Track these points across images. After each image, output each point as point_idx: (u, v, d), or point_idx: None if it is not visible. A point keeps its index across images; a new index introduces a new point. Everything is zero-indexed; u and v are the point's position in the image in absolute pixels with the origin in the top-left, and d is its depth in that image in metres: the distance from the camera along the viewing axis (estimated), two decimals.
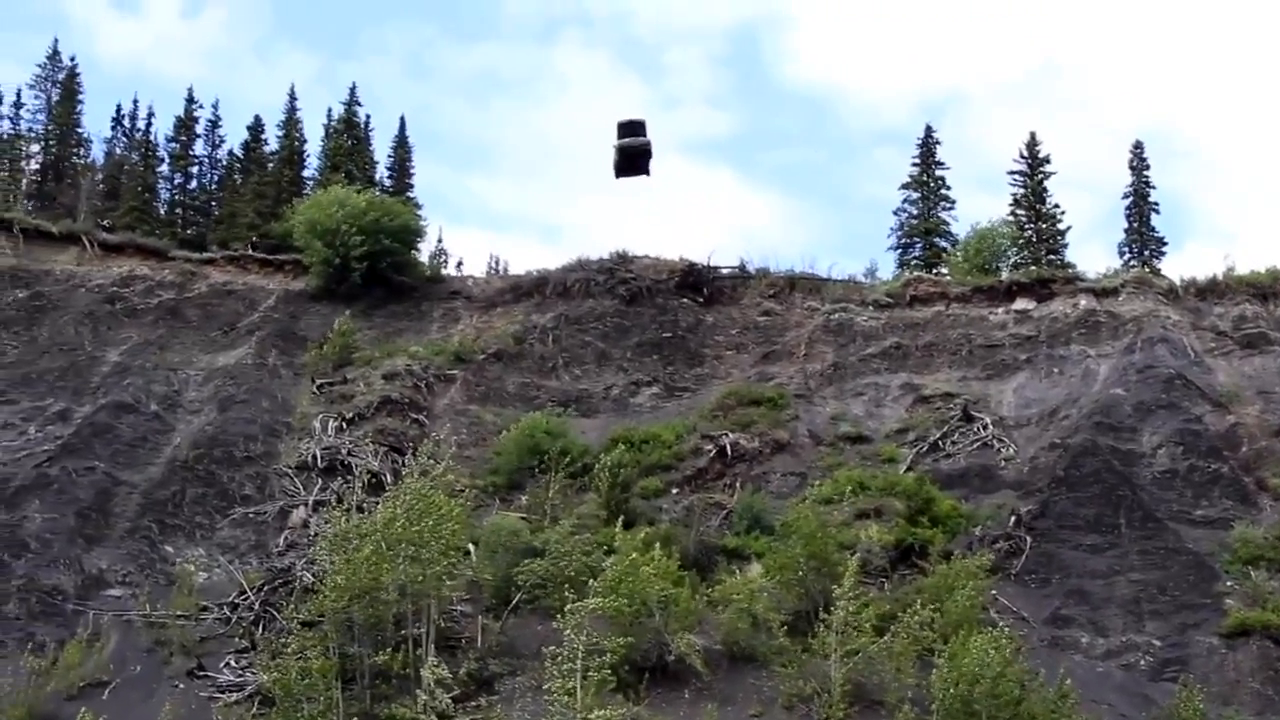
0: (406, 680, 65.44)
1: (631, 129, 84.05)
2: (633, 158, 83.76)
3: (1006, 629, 65.64)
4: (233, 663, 68.71)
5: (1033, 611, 71.11)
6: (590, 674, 58.80)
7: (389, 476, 78.68)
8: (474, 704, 65.21)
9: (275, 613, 69.61)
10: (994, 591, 70.11)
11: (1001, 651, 61.56)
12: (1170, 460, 79.24)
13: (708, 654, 66.65)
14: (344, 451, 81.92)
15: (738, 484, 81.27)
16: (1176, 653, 68.97)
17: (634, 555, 65.54)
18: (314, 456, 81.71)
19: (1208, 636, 69.39)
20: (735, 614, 68.18)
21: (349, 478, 78.30)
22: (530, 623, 68.36)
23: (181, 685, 67.50)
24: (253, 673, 67.44)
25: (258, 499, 79.38)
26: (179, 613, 70.61)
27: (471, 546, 70.97)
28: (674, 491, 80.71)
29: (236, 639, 69.81)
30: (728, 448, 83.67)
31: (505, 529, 72.89)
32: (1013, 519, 76.24)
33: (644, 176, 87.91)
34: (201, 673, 68.17)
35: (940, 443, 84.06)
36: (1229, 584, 71.78)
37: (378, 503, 70.74)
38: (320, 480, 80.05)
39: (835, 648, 63.80)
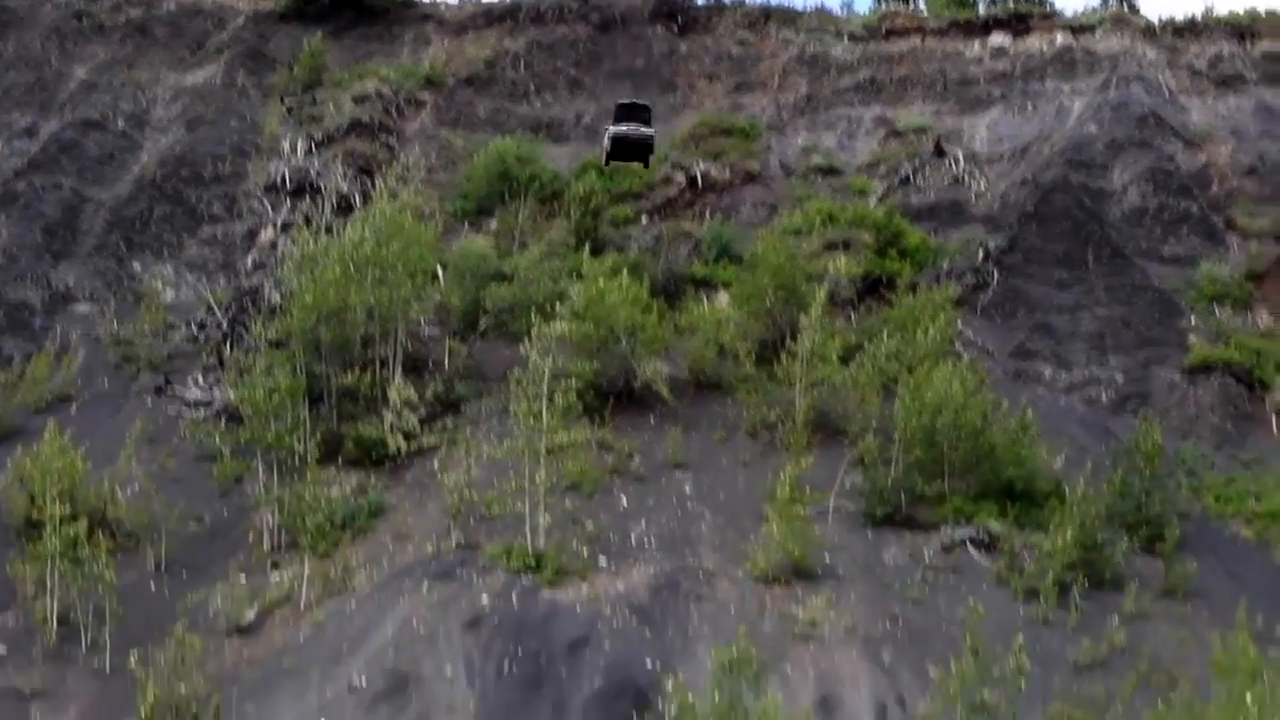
0: (374, 401, 65.08)
1: (632, 113, 70.49)
2: (630, 149, 71.21)
3: (971, 361, 65.29)
4: (200, 380, 68.14)
5: (998, 345, 70.72)
6: (556, 398, 58.32)
7: (357, 199, 77.37)
8: (440, 425, 64.90)
9: (244, 330, 68.79)
10: (960, 325, 69.56)
11: (965, 383, 61.28)
12: (1140, 198, 78.27)
13: (674, 381, 66.29)
14: (312, 173, 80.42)
15: (707, 214, 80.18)
16: (1138, 387, 68.78)
17: (601, 281, 64.68)
18: (282, 177, 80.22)
19: (1170, 371, 69.16)
20: (702, 342, 67.69)
21: (317, 199, 77.03)
22: (497, 347, 67.82)
23: (149, 401, 67.01)
24: (220, 390, 66.93)
25: (225, 219, 78.13)
26: (147, 328, 69.72)
27: (440, 270, 70.03)
28: (644, 220, 79.62)
29: (204, 357, 69.14)
30: (698, 177, 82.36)
31: (473, 254, 71.94)
32: (981, 253, 75.50)
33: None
34: (169, 389, 67.59)
35: (911, 177, 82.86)
36: (1193, 321, 71.36)
37: (346, 225, 69.50)
38: (288, 201, 78.68)
39: (800, 377, 63.45)
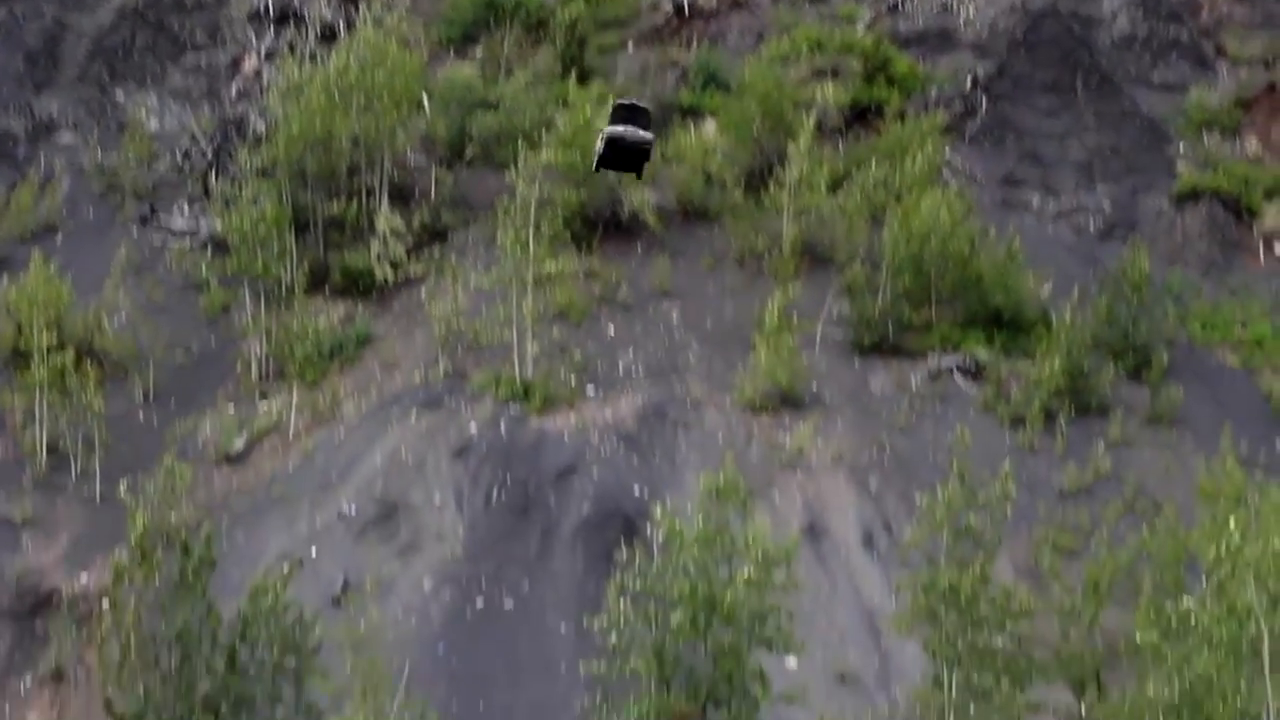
0: (360, 231, 64.32)
1: (631, 115, 59.82)
2: (625, 153, 59.81)
3: (959, 189, 64.53)
4: (185, 210, 67.28)
5: (985, 172, 69.87)
6: (543, 226, 57.61)
7: (342, 27, 75.73)
8: (427, 255, 64.22)
9: (229, 159, 67.80)
10: (948, 153, 68.63)
11: (953, 211, 60.62)
12: (1130, 24, 76.81)
13: (661, 210, 65.49)
14: (296, 1, 78.68)
15: (694, 41, 78.67)
16: (1126, 214, 68.11)
17: (588, 109, 63.59)
18: (266, 5, 78.42)
19: (1158, 199, 68.45)
20: (689, 170, 66.79)
21: (301, 27, 75.45)
22: (483, 176, 66.85)
23: (134, 231, 66.21)
24: (206, 220, 66.12)
25: (209, 46, 76.56)
26: (131, 157, 68.64)
27: (425, 99, 68.86)
28: (630, 48, 78.16)
29: (189, 186, 68.18)
30: (685, 4, 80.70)
31: (459, 82, 70.69)
32: (969, 81, 74.20)
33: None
34: (154, 219, 66.77)
35: (900, 3, 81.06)
36: (1181, 148, 70.48)
37: (330, 53, 68.19)
38: (272, 29, 77.00)
39: (788, 205, 62.71)
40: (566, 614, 48.73)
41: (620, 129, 55.32)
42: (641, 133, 55.04)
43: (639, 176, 57.63)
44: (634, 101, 56.58)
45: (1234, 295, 64.45)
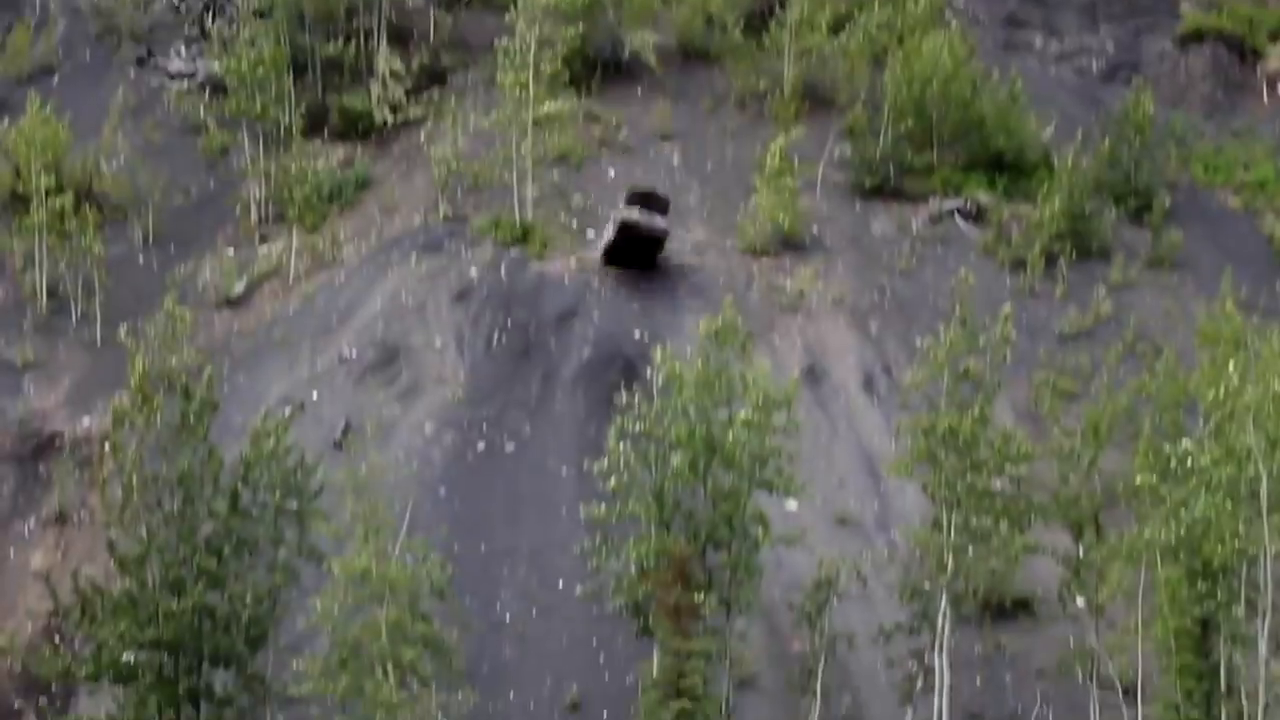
0: (359, 73, 63.42)
1: (646, 201, 54.39)
2: (638, 243, 54.31)
3: (961, 31, 63.46)
4: (183, 51, 66.27)
5: (988, 14, 68.82)
6: (542, 68, 56.67)
7: None
8: (426, 97, 63.35)
9: (226, 0, 66.65)
10: None
11: (955, 53, 59.73)
12: None
13: (661, 51, 64.46)
14: None
15: None
16: (1129, 56, 67.15)
17: None
18: None
19: (1161, 40, 67.45)
20: (690, 11, 65.67)
21: None
22: (483, 17, 65.74)
23: (132, 73, 65.28)
24: (203, 62, 65.15)
25: None
26: None
27: None
28: None
29: (186, 28, 67.07)
30: None
31: None
32: None
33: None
34: (151, 61, 65.81)
35: None
36: None
37: None
38: None
39: (789, 46, 61.79)
40: (567, 457, 48.56)
41: (635, 216, 51.56)
42: (658, 221, 51.58)
43: (652, 265, 54.39)
44: (648, 189, 53.61)
45: (1237, 137, 63.70)
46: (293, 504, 41.38)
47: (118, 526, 41.26)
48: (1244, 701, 35.56)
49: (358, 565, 39.26)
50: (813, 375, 51.46)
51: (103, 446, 45.90)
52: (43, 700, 43.77)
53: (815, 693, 41.36)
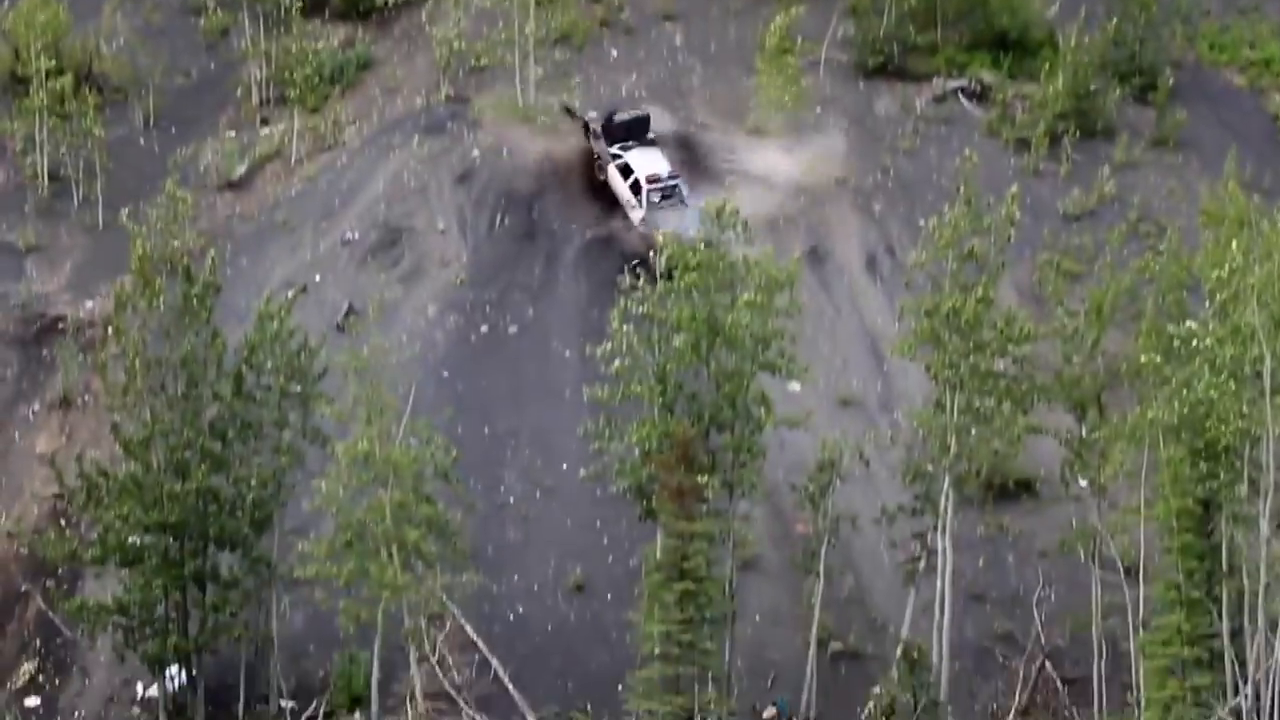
0: None
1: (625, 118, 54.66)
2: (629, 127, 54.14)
3: None
4: None
5: None
6: None
7: None
8: None
9: None
10: None
11: None
12: None
13: None
14: None
15: None
16: None
17: None
18: None
19: None
20: None
21: None
22: None
23: None
24: None
25: None
26: None
27: None
28: None
29: None
30: None
31: None
32: None
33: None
34: None
35: None
36: None
37: None
38: None
39: None
40: (569, 339, 48.27)
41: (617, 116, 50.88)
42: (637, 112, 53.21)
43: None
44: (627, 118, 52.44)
45: (1243, 15, 62.72)
46: (296, 387, 41.18)
47: (122, 410, 41.08)
48: (1245, 581, 35.45)
49: (361, 448, 39.01)
50: (815, 256, 51.06)
51: (105, 330, 45.57)
52: (49, 583, 43.73)
53: (818, 574, 41.30)
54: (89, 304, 50.50)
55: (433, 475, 40.40)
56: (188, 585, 40.34)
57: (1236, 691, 35.20)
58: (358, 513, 39.26)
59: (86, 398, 48.27)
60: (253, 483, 40.36)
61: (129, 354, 40.39)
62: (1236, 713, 34.93)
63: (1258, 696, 34.75)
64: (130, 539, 40.06)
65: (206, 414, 40.84)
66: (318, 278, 50.58)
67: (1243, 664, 35.22)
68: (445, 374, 47.66)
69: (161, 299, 40.48)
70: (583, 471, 43.20)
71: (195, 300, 40.77)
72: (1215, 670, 35.68)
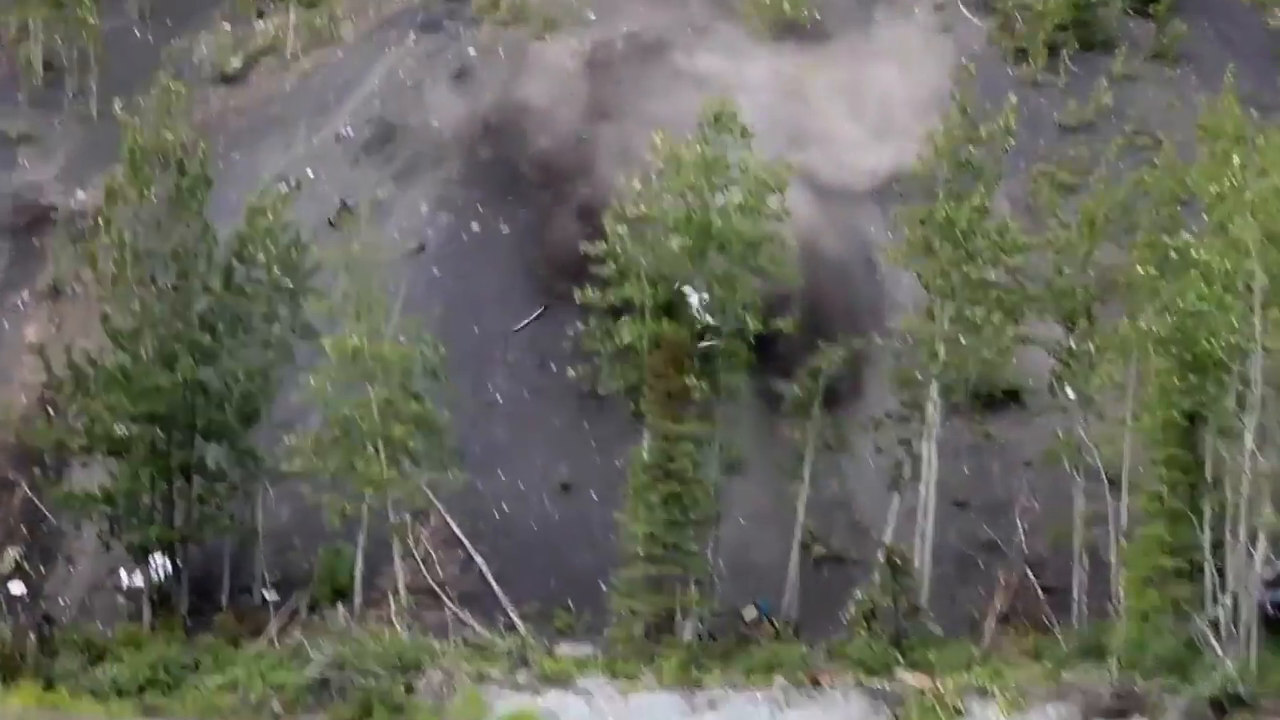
0: None
1: None
2: None
3: None
4: None
5: None
6: None
7: None
8: None
9: None
10: None
11: None
12: None
13: None
14: None
15: None
16: None
17: None
18: None
19: None
20: None
21: None
22: None
23: None
24: None
25: None
26: None
27: None
28: None
29: None
30: None
31: None
32: None
33: None
34: None
35: None
36: None
37: None
38: None
39: None
40: None
41: None
42: None
43: None
44: None
45: None
46: (287, 281, 40.97)
47: (111, 301, 40.89)
48: (1227, 494, 35.31)
49: (350, 344, 38.82)
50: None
51: (97, 221, 45.17)
52: (36, 471, 43.57)
53: (803, 479, 41.15)
54: (80, 194, 50.08)
55: (421, 372, 40.29)
56: (174, 476, 40.23)
57: (1215, 602, 35.12)
58: (345, 408, 39.14)
59: (76, 288, 47.94)
60: (241, 376, 40.17)
61: (119, 245, 40.12)
62: (1215, 623, 34.86)
63: (1236, 607, 34.66)
64: (117, 429, 39.94)
65: (196, 306, 40.66)
66: (311, 173, 50.10)
67: (1222, 575, 35.12)
68: (436, 272, 47.25)
69: (153, 191, 40.21)
70: (571, 372, 42.99)
71: (187, 193, 40.52)
72: (1195, 581, 35.61)
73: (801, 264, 42.18)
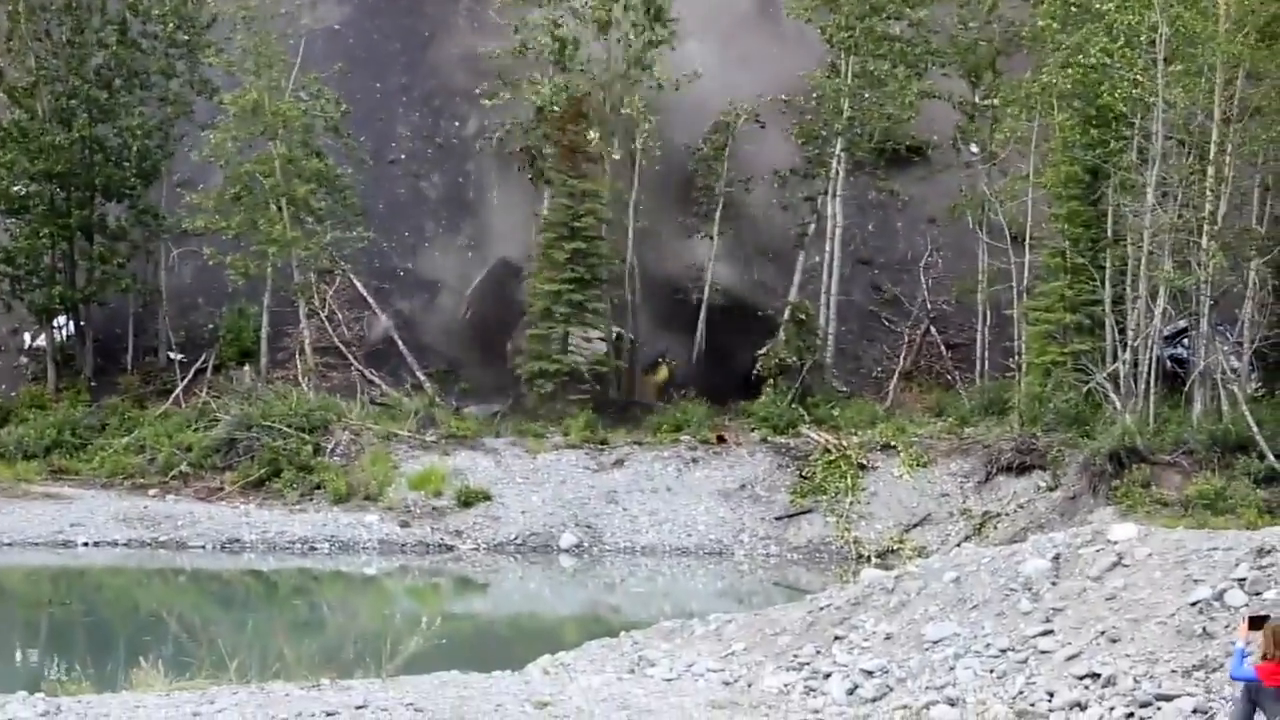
0: None
1: None
2: None
3: None
4: None
5: None
6: None
7: None
8: None
9: None
10: None
11: None
12: None
13: None
14: None
15: None
16: None
17: None
18: None
19: None
20: None
21: None
22: None
23: None
24: None
25: None
26: None
27: None
28: None
29: None
30: None
31: None
32: None
33: None
34: None
35: None
36: None
37: None
38: None
39: None
40: None
41: None
42: None
43: None
44: None
45: None
46: (183, 35, 39.86)
47: (5, 56, 39.68)
48: (1128, 248, 35.32)
49: (250, 99, 37.93)
50: None
51: None
52: None
53: (712, 236, 40.92)
54: None
55: (323, 129, 39.52)
56: (74, 235, 39.44)
57: (1115, 357, 35.35)
58: (246, 165, 38.38)
59: None
60: (139, 132, 39.16)
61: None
62: (1114, 377, 35.12)
63: (1135, 362, 34.89)
64: (15, 187, 39.05)
65: (92, 62, 39.54)
66: None
67: (1123, 330, 35.27)
68: (336, 27, 46.00)
69: None
70: (473, 127, 42.38)
71: None
72: (1096, 336, 35.78)
73: None
